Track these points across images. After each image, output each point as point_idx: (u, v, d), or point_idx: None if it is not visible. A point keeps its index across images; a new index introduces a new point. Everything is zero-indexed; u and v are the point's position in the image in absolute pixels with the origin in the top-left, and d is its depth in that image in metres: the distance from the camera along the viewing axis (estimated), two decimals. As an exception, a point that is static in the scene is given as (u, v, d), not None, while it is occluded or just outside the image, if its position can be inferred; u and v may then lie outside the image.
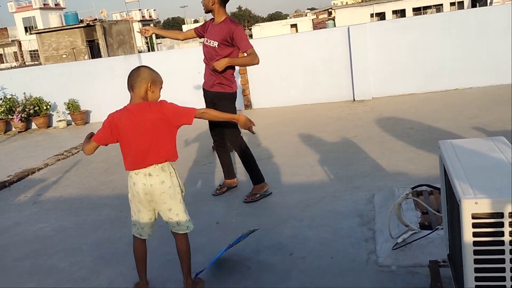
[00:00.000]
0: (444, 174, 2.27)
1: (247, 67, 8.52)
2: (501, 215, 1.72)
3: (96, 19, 29.81)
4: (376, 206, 3.87)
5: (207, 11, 4.34)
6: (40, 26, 44.73)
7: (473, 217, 1.75)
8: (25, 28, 52.22)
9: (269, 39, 9.68)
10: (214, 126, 4.59)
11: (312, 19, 50.73)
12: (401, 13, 37.00)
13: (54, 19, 30.36)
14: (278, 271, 3.14)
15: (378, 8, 37.28)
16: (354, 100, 8.62)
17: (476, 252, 1.78)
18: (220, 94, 4.33)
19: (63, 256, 3.83)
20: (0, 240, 4.37)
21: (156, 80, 2.88)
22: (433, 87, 8.30)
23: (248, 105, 9.34)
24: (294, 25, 48.57)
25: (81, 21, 29.52)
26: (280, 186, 4.72)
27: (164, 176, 2.83)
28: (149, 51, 41.78)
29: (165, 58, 10.04)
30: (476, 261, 1.79)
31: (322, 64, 8.76)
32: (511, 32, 7.80)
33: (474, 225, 1.76)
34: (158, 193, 2.83)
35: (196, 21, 66.26)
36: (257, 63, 4.24)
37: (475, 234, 1.77)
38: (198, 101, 9.98)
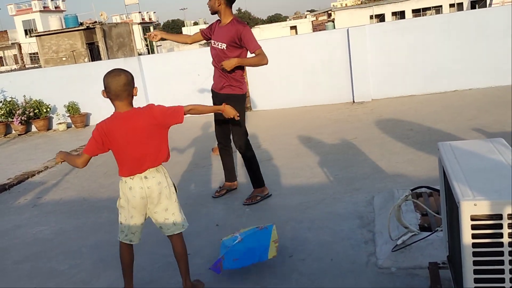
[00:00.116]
0: (443, 176, 2.27)
1: (248, 68, 8.53)
2: (500, 216, 1.73)
3: (96, 22, 29.83)
4: (376, 208, 3.87)
5: (213, 12, 4.30)
6: (40, 28, 44.77)
7: (472, 219, 1.75)
8: (25, 31, 52.26)
9: (269, 41, 9.69)
10: (220, 128, 4.57)
11: (312, 21, 50.79)
12: (400, 14, 37.03)
13: (54, 22, 30.39)
14: (278, 273, 3.14)
15: (377, 10, 37.32)
16: (353, 102, 8.63)
17: (475, 254, 1.78)
18: (230, 96, 4.31)
19: (63, 258, 3.84)
20: (0, 242, 4.37)
21: (134, 82, 2.84)
22: (433, 89, 8.31)
23: (248, 107, 9.34)
24: (293, 27, 48.63)
25: (81, 24, 29.54)
26: (280, 188, 4.72)
27: (160, 177, 2.86)
28: (149, 53, 41.82)
29: (165, 61, 10.05)
30: (475, 263, 1.79)
31: (322, 66, 8.77)
32: (510, 33, 7.80)
33: (473, 227, 1.76)
34: (155, 195, 2.84)
35: (196, 23, 66.30)
36: (266, 63, 4.21)
37: (474, 236, 1.77)
38: (197, 102, 9.94)
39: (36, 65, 39.20)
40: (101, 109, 9.99)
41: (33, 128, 10.46)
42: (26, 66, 43.42)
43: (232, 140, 4.56)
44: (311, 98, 8.89)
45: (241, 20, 4.47)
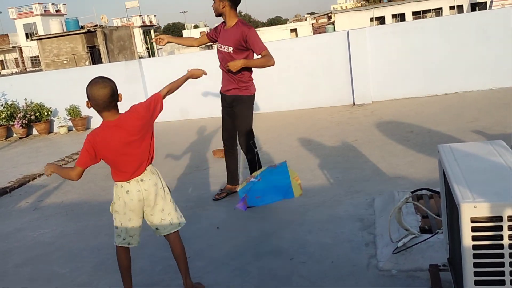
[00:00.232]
0: (444, 178, 2.27)
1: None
2: (500, 218, 1.73)
3: (96, 25, 29.90)
4: (377, 210, 3.87)
5: (218, 15, 4.29)
6: (41, 32, 44.85)
7: (472, 221, 1.76)
8: (26, 34, 52.37)
9: (269, 44, 9.60)
10: (227, 129, 4.57)
11: (312, 24, 50.87)
12: (400, 17, 37.08)
13: (55, 25, 30.48)
14: (279, 275, 3.14)
15: (377, 12, 37.37)
16: (354, 104, 8.63)
17: (475, 256, 1.78)
18: (238, 98, 4.32)
19: (64, 262, 3.84)
20: (1, 246, 4.38)
21: (117, 89, 2.80)
22: (433, 91, 8.31)
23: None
24: (294, 30, 48.68)
25: (82, 27, 29.62)
26: (281, 191, 4.72)
27: (155, 179, 2.91)
28: (149, 56, 41.88)
29: (166, 64, 10.07)
30: (476, 265, 1.79)
31: (322, 68, 8.77)
32: (510, 35, 7.80)
33: (473, 229, 1.76)
34: (152, 196, 2.87)
35: (196, 26, 66.39)
36: (273, 65, 4.20)
37: (474, 238, 1.77)
38: (198, 106, 10.00)
39: (37, 68, 39.29)
40: (102, 112, 10.05)
41: (34, 131, 10.47)
42: (27, 70, 43.50)
43: (238, 142, 4.55)
44: (312, 101, 8.89)
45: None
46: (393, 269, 2.96)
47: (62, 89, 10.20)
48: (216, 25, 4.57)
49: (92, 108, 2.73)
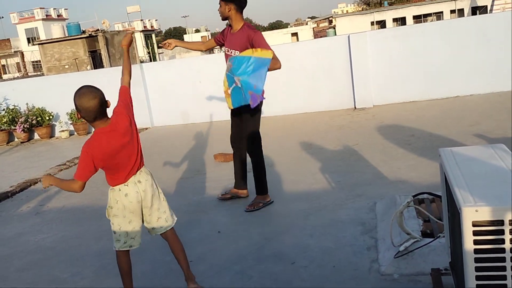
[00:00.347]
0: (445, 182, 2.27)
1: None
2: (501, 222, 1.73)
3: (98, 30, 30.01)
4: (378, 214, 3.87)
5: (224, 18, 4.29)
6: (42, 37, 45.01)
7: (473, 225, 1.76)
8: (28, 39, 52.54)
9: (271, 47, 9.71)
10: (235, 132, 4.57)
11: (313, 28, 51.01)
12: (401, 21, 37.11)
13: (57, 30, 30.60)
14: (280, 280, 3.13)
15: (378, 16, 37.41)
16: (355, 108, 8.64)
17: (477, 260, 1.78)
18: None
19: (65, 266, 3.84)
20: (2, 250, 4.38)
21: (104, 96, 2.80)
22: (434, 95, 8.31)
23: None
24: (295, 34, 48.81)
25: (83, 32, 29.72)
26: (282, 195, 4.72)
27: (151, 179, 2.98)
28: (150, 61, 41.97)
29: (167, 68, 10.08)
30: (477, 269, 1.79)
31: (323, 72, 8.78)
32: (510, 39, 7.81)
33: (475, 233, 1.76)
34: (149, 197, 2.93)
35: (197, 31, 66.57)
36: (279, 67, 4.19)
37: (476, 242, 1.77)
38: (199, 109, 9.99)
39: (38, 73, 39.38)
40: (103, 117, 10.06)
41: (36, 136, 10.49)
42: (29, 74, 43.60)
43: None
44: (313, 105, 8.90)
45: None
46: (395, 273, 2.96)
47: (64, 93, 10.21)
48: (223, 29, 4.57)
49: (81, 118, 2.76)
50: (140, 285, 3.22)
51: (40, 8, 52.78)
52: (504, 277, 1.77)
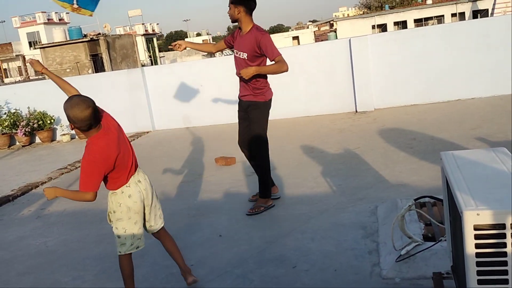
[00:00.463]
0: (446, 185, 2.27)
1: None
2: (503, 226, 1.72)
3: (99, 34, 30.06)
4: (380, 218, 3.86)
5: (233, 21, 4.29)
6: (44, 40, 45.10)
7: (475, 229, 1.75)
8: (29, 43, 52.65)
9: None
10: (242, 134, 4.56)
11: (314, 31, 51.08)
12: (402, 24, 37.15)
13: (58, 34, 30.64)
14: (281, 284, 3.13)
15: (379, 20, 37.45)
16: (356, 111, 8.64)
17: (478, 264, 1.78)
18: (253, 103, 4.32)
19: (66, 270, 3.83)
20: (3, 254, 4.38)
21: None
22: (435, 98, 8.31)
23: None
24: (296, 37, 48.89)
25: (85, 36, 29.78)
26: (283, 198, 4.72)
27: (148, 178, 3.07)
28: (152, 64, 42.03)
29: (168, 72, 10.09)
30: (479, 273, 1.78)
31: (324, 76, 8.79)
32: (511, 42, 7.81)
33: (476, 237, 1.76)
34: (150, 195, 3.03)
35: (198, 34, 66.70)
36: (286, 70, 4.16)
37: (477, 246, 1.77)
38: (200, 113, 9.99)
39: (40, 76, 39.42)
40: (104, 120, 10.07)
41: (37, 140, 10.50)
42: (30, 78, 43.65)
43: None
44: (314, 108, 8.90)
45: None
46: (396, 277, 2.95)
47: (65, 97, 10.17)
48: (233, 31, 4.58)
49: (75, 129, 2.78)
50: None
51: (42, 12, 52.91)
52: (506, 281, 1.76)
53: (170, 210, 4.71)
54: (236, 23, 4.32)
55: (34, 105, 10.33)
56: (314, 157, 6.07)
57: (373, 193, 4.50)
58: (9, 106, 10.50)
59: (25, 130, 10.00)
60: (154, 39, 53.57)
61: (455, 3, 35.50)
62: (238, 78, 4.40)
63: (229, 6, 4.22)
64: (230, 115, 9.51)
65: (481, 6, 33.60)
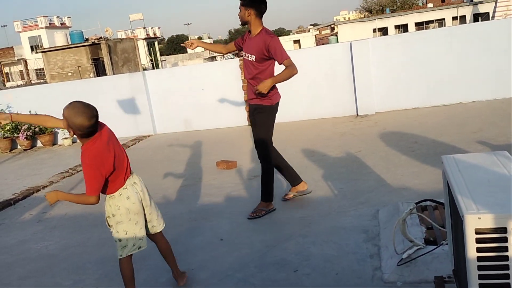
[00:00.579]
0: (448, 189, 2.26)
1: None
2: (504, 230, 1.72)
3: (101, 38, 30.15)
4: (381, 222, 3.85)
5: (243, 23, 4.31)
6: (46, 45, 45.25)
7: (476, 233, 1.75)
8: (31, 47, 52.82)
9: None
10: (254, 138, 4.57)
11: (315, 35, 51.16)
12: (403, 28, 37.20)
13: (60, 38, 30.74)
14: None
15: (380, 23, 37.51)
16: (357, 115, 8.64)
17: (480, 268, 1.77)
18: (259, 107, 4.32)
19: (67, 274, 3.83)
20: (4, 258, 4.38)
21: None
22: (437, 101, 8.31)
23: (252, 121, 9.36)
24: (297, 41, 48.96)
25: (87, 40, 29.87)
26: (284, 202, 4.71)
27: (142, 180, 3.11)
28: (153, 68, 42.10)
29: (169, 75, 10.11)
30: (481, 277, 1.78)
31: (325, 79, 8.80)
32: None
33: (478, 240, 1.75)
34: (147, 196, 3.08)
35: (200, 38, 66.71)
36: (296, 73, 4.18)
37: (479, 250, 1.76)
38: (201, 116, 9.99)
39: (42, 80, 39.53)
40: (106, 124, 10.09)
41: (39, 143, 10.52)
42: (32, 82, 43.77)
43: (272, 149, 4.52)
44: (315, 112, 8.90)
45: (243, 35, 4.49)
46: (398, 281, 2.94)
47: (67, 101, 10.03)
48: (244, 33, 4.59)
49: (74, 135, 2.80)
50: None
51: (44, 16, 53.10)
52: (507, 285, 1.76)
53: (171, 213, 4.71)
54: (246, 25, 4.34)
55: (35, 109, 10.32)
56: (315, 160, 6.07)
57: (375, 196, 4.50)
58: (11, 110, 10.50)
59: (26, 134, 10.02)
60: (156, 43, 53.66)
61: (456, 7, 35.55)
62: (239, 82, 4.40)
63: (239, 8, 4.24)
64: (231, 119, 9.55)
65: (482, 9, 33.64)
